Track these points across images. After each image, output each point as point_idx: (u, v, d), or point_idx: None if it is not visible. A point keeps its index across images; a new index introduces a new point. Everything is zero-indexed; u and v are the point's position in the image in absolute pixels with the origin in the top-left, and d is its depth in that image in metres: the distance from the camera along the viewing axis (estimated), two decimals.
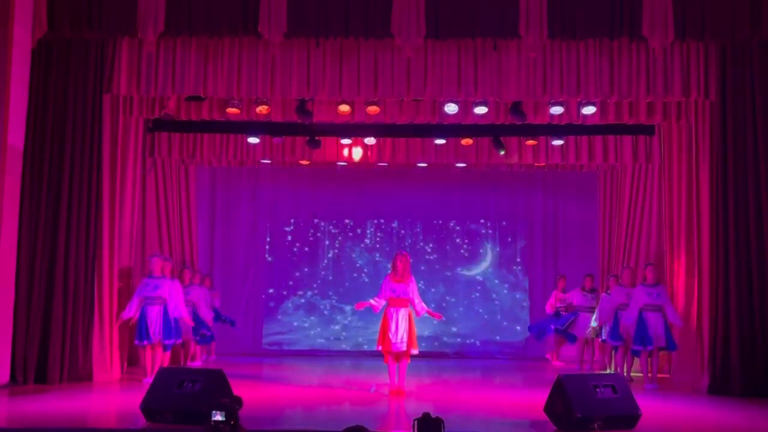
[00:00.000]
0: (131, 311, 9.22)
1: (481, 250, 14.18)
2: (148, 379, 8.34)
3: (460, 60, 8.92)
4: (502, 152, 11.31)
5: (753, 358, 8.57)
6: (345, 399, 8.41)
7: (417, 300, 8.49)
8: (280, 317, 13.94)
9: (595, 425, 6.14)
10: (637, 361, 9.96)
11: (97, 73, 9.06)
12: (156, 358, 9.25)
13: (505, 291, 14.08)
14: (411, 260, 8.89)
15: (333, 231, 14.20)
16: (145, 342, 9.16)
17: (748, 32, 8.70)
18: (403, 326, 8.32)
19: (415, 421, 4.71)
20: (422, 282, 13.60)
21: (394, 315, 8.34)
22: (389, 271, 8.64)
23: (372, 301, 8.54)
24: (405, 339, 8.30)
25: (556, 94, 8.97)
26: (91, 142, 9.11)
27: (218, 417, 4.45)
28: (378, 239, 14.19)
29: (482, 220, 14.18)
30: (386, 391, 8.50)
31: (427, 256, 14.10)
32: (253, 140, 11.39)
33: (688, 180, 9.75)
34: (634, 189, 11.93)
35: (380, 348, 8.44)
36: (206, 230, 13.72)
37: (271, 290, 13.99)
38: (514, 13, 8.64)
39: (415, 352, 8.45)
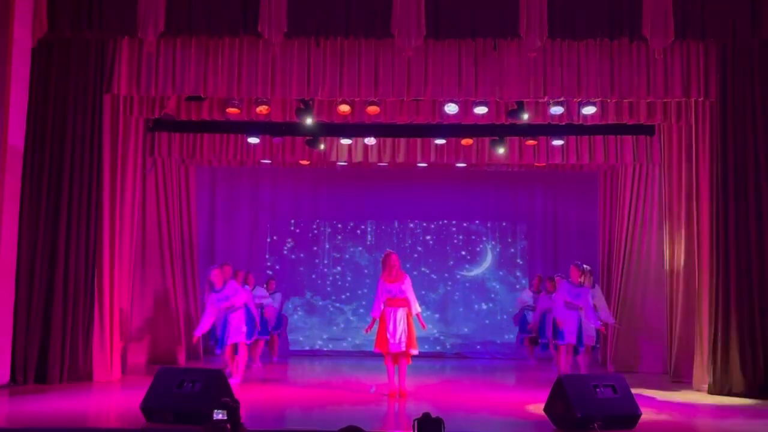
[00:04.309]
0: (205, 327, 9.51)
1: (481, 250, 14.18)
2: (235, 380, 8.83)
3: (460, 60, 8.91)
4: (502, 150, 11.28)
5: (753, 358, 8.57)
6: (345, 399, 8.39)
7: (413, 299, 8.44)
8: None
9: (595, 425, 6.14)
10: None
11: (97, 73, 9.06)
12: (238, 357, 9.50)
13: (505, 291, 14.08)
14: (399, 257, 8.78)
15: (333, 231, 14.20)
16: (225, 347, 9.48)
17: (748, 32, 8.70)
18: (401, 326, 8.26)
19: (415, 421, 4.70)
20: (427, 278, 13.64)
21: (392, 315, 8.28)
22: (381, 274, 8.57)
23: (374, 316, 8.51)
24: (404, 339, 8.24)
25: (556, 94, 8.96)
26: (91, 142, 9.11)
27: (220, 416, 4.44)
28: (378, 239, 14.18)
29: (482, 220, 14.18)
30: (386, 393, 8.46)
31: (428, 257, 14.09)
32: (253, 140, 11.38)
33: (688, 180, 9.74)
34: (634, 189, 11.90)
35: (377, 350, 8.41)
36: (206, 230, 13.72)
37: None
38: (514, 13, 8.63)
39: (414, 352, 8.38)
